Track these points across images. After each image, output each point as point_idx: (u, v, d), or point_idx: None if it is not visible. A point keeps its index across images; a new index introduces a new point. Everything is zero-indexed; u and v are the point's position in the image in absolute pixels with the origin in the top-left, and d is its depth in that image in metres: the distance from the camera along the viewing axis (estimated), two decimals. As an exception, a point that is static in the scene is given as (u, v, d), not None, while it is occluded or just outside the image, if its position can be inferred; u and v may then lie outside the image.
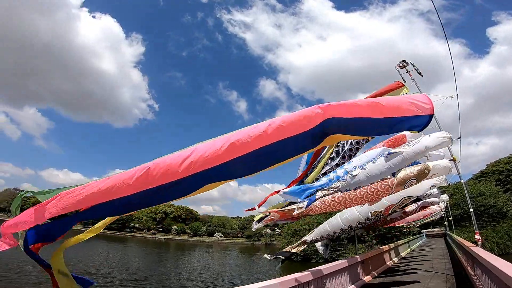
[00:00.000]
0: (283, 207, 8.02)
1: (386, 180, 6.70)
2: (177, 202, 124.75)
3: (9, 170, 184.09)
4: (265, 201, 8.39)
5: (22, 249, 3.21)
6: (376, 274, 11.23)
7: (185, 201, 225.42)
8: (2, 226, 3.01)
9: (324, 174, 8.52)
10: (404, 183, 6.97)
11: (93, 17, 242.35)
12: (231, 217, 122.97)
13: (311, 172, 8.76)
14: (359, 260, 9.60)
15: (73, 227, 3.63)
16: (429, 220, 28.31)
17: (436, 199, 12.30)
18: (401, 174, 6.76)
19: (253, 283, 4.42)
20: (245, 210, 6.68)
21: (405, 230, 28.02)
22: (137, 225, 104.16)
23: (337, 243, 39.45)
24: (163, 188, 3.05)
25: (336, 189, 6.36)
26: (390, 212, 10.04)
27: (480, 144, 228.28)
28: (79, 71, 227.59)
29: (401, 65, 14.85)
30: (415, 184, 7.46)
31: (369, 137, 8.42)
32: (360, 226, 10.44)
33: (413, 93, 11.09)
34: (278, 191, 8.29)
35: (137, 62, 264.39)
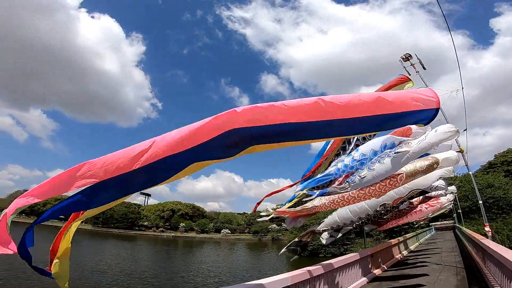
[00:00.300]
0: (290, 206, 8.18)
1: (394, 177, 6.70)
2: (184, 200, 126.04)
3: (18, 172, 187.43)
4: (270, 195, 8.56)
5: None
6: (385, 268, 11.27)
7: (191, 198, 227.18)
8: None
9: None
10: (412, 178, 6.98)
11: (92, 17, 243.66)
12: (237, 213, 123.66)
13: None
14: (368, 253, 9.67)
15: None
16: (438, 214, 28.13)
17: (443, 192, 12.24)
18: (410, 168, 6.73)
19: (260, 278, 4.42)
20: (254, 207, 6.74)
21: (416, 225, 27.83)
22: (146, 223, 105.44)
23: (345, 237, 39.50)
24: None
25: (345, 190, 6.45)
26: (398, 203, 10.08)
27: (487, 135, 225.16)
28: (82, 72, 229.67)
29: (404, 58, 14.67)
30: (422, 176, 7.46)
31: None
32: (369, 218, 10.47)
33: (418, 87, 11.02)
34: (288, 187, 8.49)
35: (138, 61, 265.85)
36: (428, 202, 13.48)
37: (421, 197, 12.87)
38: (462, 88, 12.93)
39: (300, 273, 5.15)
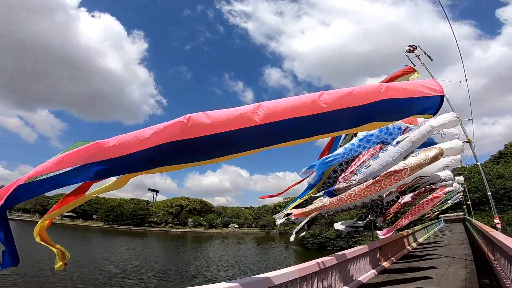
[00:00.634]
0: (299, 204, 8.36)
1: (399, 172, 6.69)
2: (191, 195, 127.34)
3: (29, 172, 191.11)
4: (287, 190, 8.88)
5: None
6: (394, 260, 11.26)
7: (199, 193, 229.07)
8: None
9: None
10: (416, 171, 6.99)
11: (92, 16, 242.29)
12: (244, 207, 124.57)
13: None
14: (377, 246, 9.68)
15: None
16: (445, 206, 27.80)
17: (450, 182, 12.10)
18: (414, 161, 6.70)
19: (267, 271, 4.43)
20: (261, 197, 7.01)
21: (424, 217, 27.58)
22: (155, 219, 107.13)
23: (353, 230, 39.41)
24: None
25: (356, 183, 6.50)
26: (402, 190, 10.00)
27: (497, 124, 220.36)
28: (86, 71, 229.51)
29: (410, 49, 14.37)
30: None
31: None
32: (373, 204, 10.39)
33: (424, 78, 10.85)
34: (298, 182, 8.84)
35: (141, 59, 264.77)
36: (433, 193, 13.35)
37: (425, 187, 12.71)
38: (466, 79, 12.74)
39: (308, 266, 5.18)
